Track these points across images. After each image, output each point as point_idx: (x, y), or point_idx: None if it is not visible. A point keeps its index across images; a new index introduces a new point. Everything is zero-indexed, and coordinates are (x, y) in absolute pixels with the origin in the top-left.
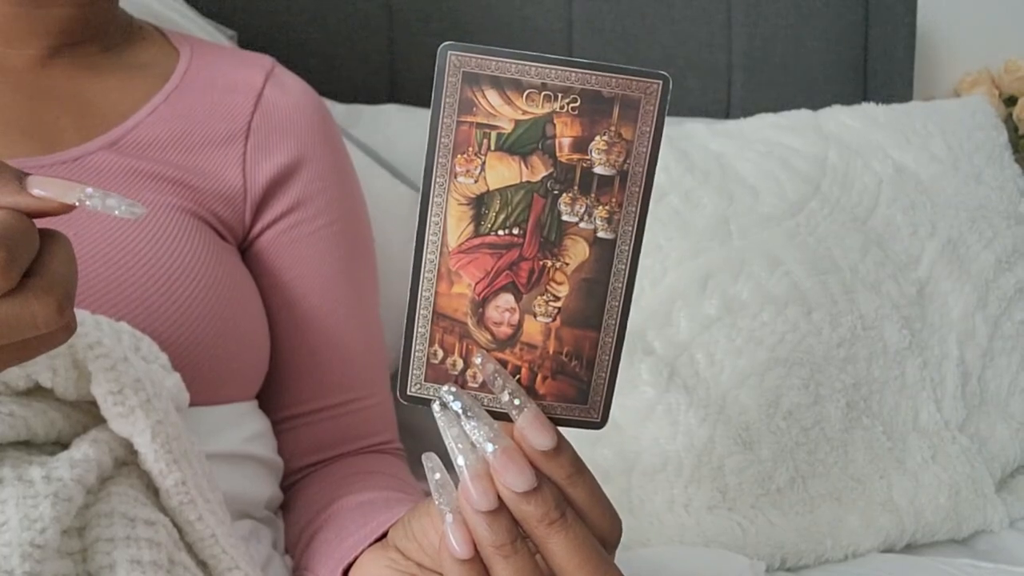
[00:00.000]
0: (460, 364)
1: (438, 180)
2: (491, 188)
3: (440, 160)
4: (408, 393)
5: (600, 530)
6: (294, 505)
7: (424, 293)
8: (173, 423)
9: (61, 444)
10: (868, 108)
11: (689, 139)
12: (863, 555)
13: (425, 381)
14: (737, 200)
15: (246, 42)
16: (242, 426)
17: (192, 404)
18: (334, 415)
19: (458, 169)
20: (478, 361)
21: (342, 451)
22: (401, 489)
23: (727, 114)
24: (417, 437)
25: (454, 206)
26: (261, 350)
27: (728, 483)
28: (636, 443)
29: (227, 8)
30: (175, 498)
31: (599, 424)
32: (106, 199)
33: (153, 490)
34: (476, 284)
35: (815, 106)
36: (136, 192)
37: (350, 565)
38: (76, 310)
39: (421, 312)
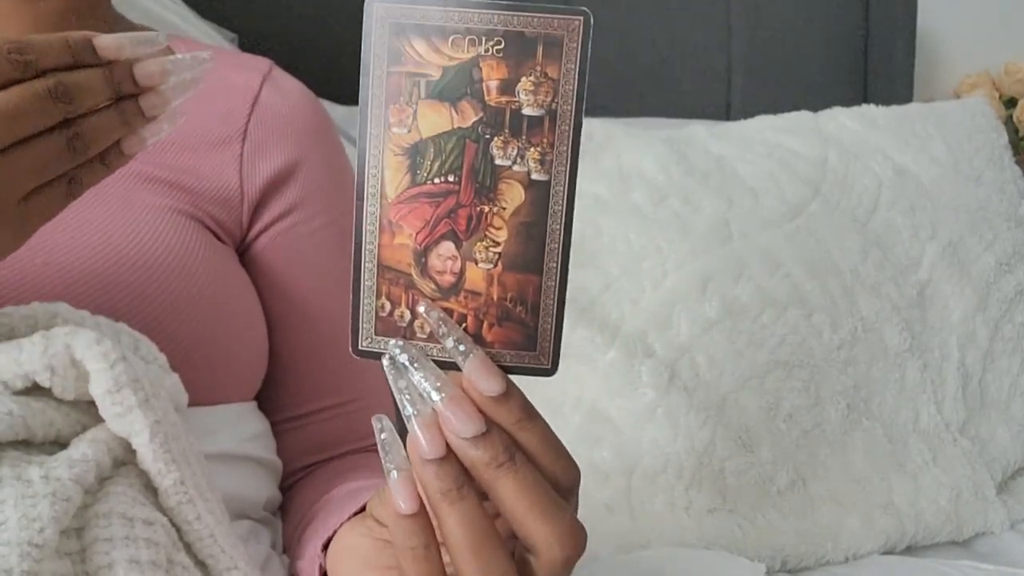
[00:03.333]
0: (407, 315)
1: (373, 132)
2: (424, 137)
3: (374, 112)
4: (360, 348)
5: (552, 474)
6: (291, 504)
7: (368, 246)
8: (172, 423)
9: (60, 444)
10: (868, 110)
11: (689, 141)
12: (864, 557)
13: (376, 335)
14: (737, 202)
15: (247, 45)
16: (241, 427)
17: (191, 404)
18: (334, 415)
19: (392, 119)
20: (422, 310)
21: (342, 451)
22: None
23: (727, 116)
24: None
25: (390, 157)
26: (260, 351)
27: (728, 485)
28: (636, 445)
29: (228, 11)
30: (173, 498)
31: (550, 370)
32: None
33: (152, 490)
34: (417, 234)
35: (815, 108)
36: (132, 194)
37: (331, 539)
38: (75, 310)
39: (366, 265)
